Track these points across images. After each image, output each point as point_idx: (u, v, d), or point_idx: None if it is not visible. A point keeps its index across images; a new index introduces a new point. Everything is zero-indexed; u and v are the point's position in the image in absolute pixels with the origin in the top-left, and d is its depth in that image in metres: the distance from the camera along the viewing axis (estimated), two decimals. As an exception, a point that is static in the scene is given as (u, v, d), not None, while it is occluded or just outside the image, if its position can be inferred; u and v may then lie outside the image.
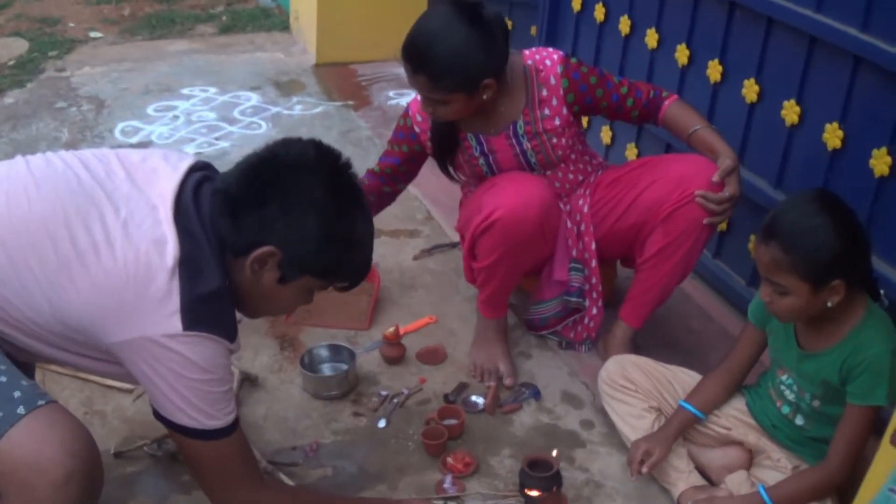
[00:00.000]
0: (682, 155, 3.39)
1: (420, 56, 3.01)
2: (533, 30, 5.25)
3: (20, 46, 6.82)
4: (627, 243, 3.38)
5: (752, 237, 3.68)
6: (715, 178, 3.07)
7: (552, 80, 3.24)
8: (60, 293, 2.16)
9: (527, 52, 3.29)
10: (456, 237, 4.08)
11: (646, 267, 3.30)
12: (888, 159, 2.99)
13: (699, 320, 3.79)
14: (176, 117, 5.64)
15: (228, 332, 2.28)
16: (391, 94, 6.13)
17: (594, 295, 3.47)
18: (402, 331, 3.61)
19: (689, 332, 3.71)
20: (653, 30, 4.09)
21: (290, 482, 2.88)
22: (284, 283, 2.34)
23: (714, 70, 3.74)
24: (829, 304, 2.49)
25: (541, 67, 3.25)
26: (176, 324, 2.15)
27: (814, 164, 3.30)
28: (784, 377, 2.78)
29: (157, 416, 2.33)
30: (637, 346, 3.46)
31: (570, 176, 3.41)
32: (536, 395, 3.34)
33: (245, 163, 2.34)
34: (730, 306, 3.87)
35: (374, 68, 6.51)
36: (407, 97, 5.98)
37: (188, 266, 2.18)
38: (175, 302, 2.15)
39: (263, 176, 2.27)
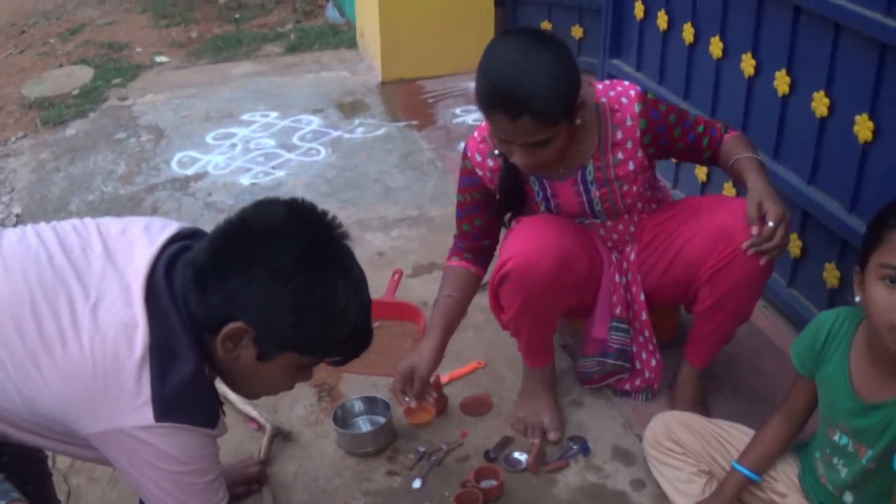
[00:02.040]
0: (719, 199, 3.12)
1: (516, 96, 2.58)
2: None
3: (85, 74, 6.80)
4: (678, 297, 3.13)
5: (828, 265, 3.38)
6: (753, 231, 2.73)
7: (629, 122, 2.91)
8: (29, 383, 2.02)
9: (600, 86, 2.96)
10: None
11: (701, 318, 3.05)
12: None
13: (772, 360, 3.49)
14: (234, 145, 5.52)
15: (207, 419, 2.11)
16: (458, 111, 5.92)
17: (650, 347, 3.21)
18: (447, 378, 3.40)
19: (760, 375, 3.40)
20: (717, 38, 3.82)
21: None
22: (265, 361, 2.13)
23: (782, 82, 3.46)
24: None
25: (616, 107, 2.91)
26: (147, 415, 1.99)
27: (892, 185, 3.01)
28: (836, 437, 2.45)
29: None
30: (705, 388, 3.22)
31: (632, 228, 3.13)
32: (585, 450, 3.08)
33: (215, 230, 2.14)
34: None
35: (441, 83, 6.30)
36: (473, 114, 5.79)
37: (160, 351, 2.02)
38: (146, 392, 1.99)
39: (228, 244, 2.08)
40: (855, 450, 2.41)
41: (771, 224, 2.68)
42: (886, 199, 2.95)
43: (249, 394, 2.39)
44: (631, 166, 2.97)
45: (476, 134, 3.03)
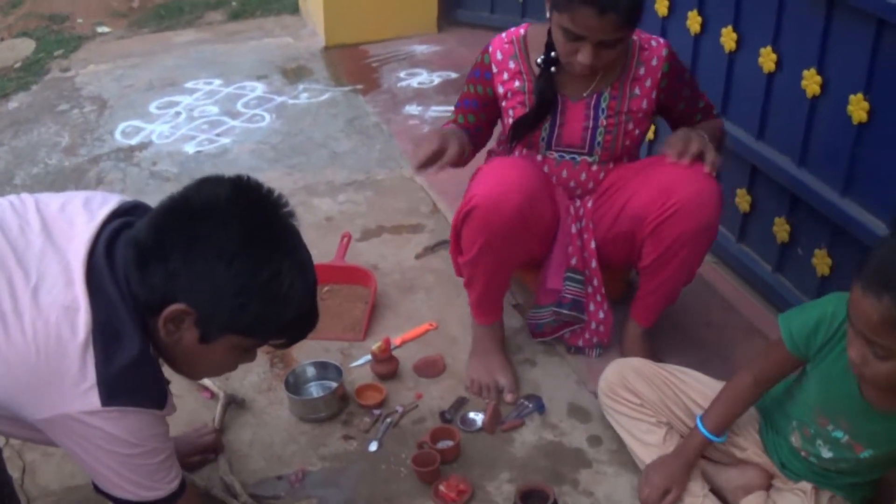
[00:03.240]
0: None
1: None
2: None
3: (27, 47, 6.65)
4: (625, 252, 3.12)
5: (777, 220, 3.39)
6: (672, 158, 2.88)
7: (654, 62, 3.01)
8: None
9: None
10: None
11: (645, 273, 3.06)
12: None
13: (721, 312, 3.51)
14: (178, 114, 5.43)
15: (154, 400, 2.06)
16: (402, 74, 5.86)
17: (598, 298, 3.21)
18: (399, 340, 3.39)
19: (710, 327, 3.43)
20: (695, 12, 3.72)
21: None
22: (208, 343, 2.07)
23: (728, 38, 3.47)
24: None
25: (646, 46, 3.02)
26: (93, 400, 1.94)
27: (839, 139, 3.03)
28: (829, 428, 2.43)
29: (97, 488, 2.15)
30: (653, 345, 3.22)
31: (602, 175, 3.14)
32: (541, 408, 3.08)
33: (158, 207, 2.06)
34: (756, 295, 3.60)
35: (385, 48, 6.24)
36: (418, 77, 5.78)
37: (103, 333, 1.96)
38: (91, 377, 1.93)
39: (170, 223, 2.01)
40: (850, 444, 2.41)
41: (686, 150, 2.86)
42: (833, 153, 3.01)
43: (191, 375, 2.34)
44: (644, 104, 3.04)
45: (504, 35, 3.08)
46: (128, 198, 2.23)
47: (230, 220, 1.98)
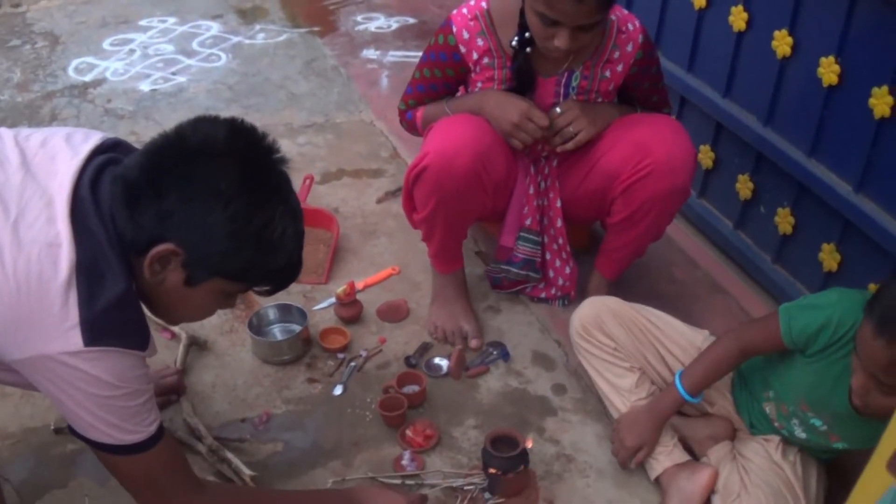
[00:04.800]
0: (644, 115, 3.09)
1: None
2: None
3: (-27, -20, 6.53)
4: (594, 209, 3.14)
5: (741, 177, 3.42)
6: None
7: (629, 47, 2.96)
8: None
9: None
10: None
11: (613, 229, 3.08)
12: (889, 99, 2.71)
13: (683, 268, 3.55)
14: (132, 51, 5.37)
15: (138, 341, 2.02)
16: (359, 18, 5.84)
17: (564, 255, 3.24)
18: (362, 284, 3.40)
19: (672, 282, 3.47)
20: None
21: (237, 461, 2.65)
22: (192, 286, 2.05)
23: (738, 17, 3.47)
24: None
25: (623, 29, 2.95)
26: (76, 340, 1.88)
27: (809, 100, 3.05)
28: (809, 414, 2.45)
29: (73, 432, 2.09)
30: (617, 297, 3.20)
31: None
32: (505, 355, 3.11)
33: (150, 145, 2.01)
34: (717, 251, 3.65)
35: (343, -10, 6.22)
36: (375, 21, 5.78)
37: (87, 271, 1.91)
38: (73, 315, 1.88)
39: (165, 161, 1.96)
40: (826, 434, 2.44)
41: (558, 110, 2.92)
42: (801, 114, 3.04)
43: (170, 318, 2.29)
44: (611, 87, 3.02)
45: (465, 11, 2.96)
46: (109, 134, 2.19)
47: (228, 162, 1.94)
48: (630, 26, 2.95)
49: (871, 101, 2.77)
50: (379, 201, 3.93)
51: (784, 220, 3.25)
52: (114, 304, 1.93)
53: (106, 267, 1.94)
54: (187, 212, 1.92)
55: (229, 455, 2.68)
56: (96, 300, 1.90)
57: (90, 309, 1.89)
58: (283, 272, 2.12)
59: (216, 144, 1.95)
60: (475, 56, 2.97)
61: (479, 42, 2.95)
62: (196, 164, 1.94)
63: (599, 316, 2.79)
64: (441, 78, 3.08)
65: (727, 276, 3.50)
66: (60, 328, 1.88)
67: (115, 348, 1.94)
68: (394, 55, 5.30)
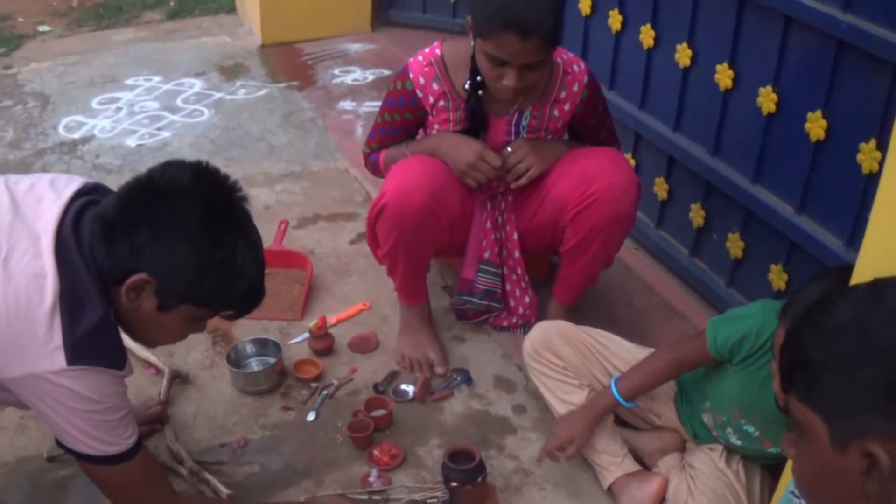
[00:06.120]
0: (591, 148, 3.26)
1: (530, 18, 2.73)
2: None
3: (-32, 46, 6.69)
4: (548, 239, 3.30)
5: (693, 206, 3.57)
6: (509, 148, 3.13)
7: (575, 87, 3.14)
8: None
9: None
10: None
11: (566, 256, 3.23)
12: (824, 123, 2.89)
13: (641, 295, 3.71)
14: (119, 109, 5.51)
15: (115, 361, 2.23)
16: (336, 71, 6.01)
17: (523, 284, 3.41)
18: (335, 319, 3.55)
19: (630, 308, 3.62)
20: (616, 11, 3.86)
21: (216, 481, 2.81)
22: (165, 311, 2.25)
23: (647, 36, 3.65)
24: None
25: (569, 70, 3.13)
26: (59, 360, 2.09)
27: (750, 129, 3.22)
28: (742, 422, 2.60)
29: (59, 444, 2.32)
30: (575, 323, 3.33)
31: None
32: (468, 380, 3.26)
33: (124, 187, 2.23)
34: (674, 278, 3.80)
35: (320, 46, 6.38)
36: (352, 74, 5.94)
37: (69, 299, 2.11)
38: (57, 338, 2.09)
39: (136, 202, 2.17)
40: (760, 439, 2.59)
41: (509, 149, 3.09)
42: (745, 143, 3.19)
43: (148, 342, 2.49)
44: (559, 125, 3.20)
45: (421, 58, 3.13)
46: (89, 179, 2.40)
47: (193, 202, 2.15)
48: (576, 67, 3.13)
49: (807, 125, 2.94)
50: (352, 242, 4.10)
51: (735, 245, 3.41)
52: (93, 329, 2.14)
53: (86, 295, 2.15)
54: (157, 246, 2.14)
55: (208, 476, 2.83)
56: (78, 325, 2.11)
57: (72, 332, 2.10)
58: (244, 298, 2.33)
59: (181, 186, 2.16)
60: (431, 100, 3.14)
61: (435, 86, 3.13)
62: (163, 204, 2.14)
63: (549, 338, 2.93)
64: (401, 121, 3.25)
65: (684, 301, 3.65)
66: (46, 349, 2.09)
67: (94, 367, 2.15)
68: (369, 105, 5.45)
